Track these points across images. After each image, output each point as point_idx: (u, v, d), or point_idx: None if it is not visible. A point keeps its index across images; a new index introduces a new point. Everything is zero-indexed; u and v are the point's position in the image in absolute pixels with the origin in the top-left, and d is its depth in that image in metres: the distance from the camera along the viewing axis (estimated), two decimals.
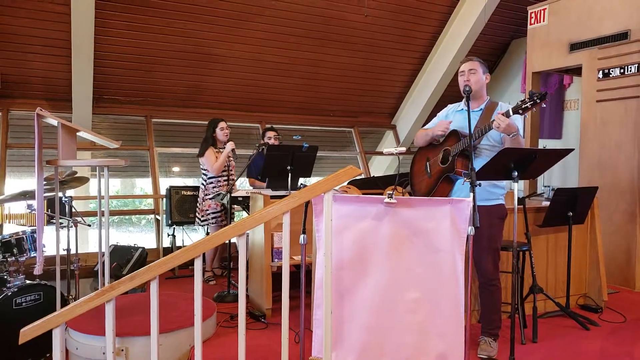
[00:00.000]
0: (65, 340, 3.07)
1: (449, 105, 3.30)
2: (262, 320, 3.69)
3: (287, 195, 2.28)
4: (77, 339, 3.03)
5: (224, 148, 4.73)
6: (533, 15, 5.64)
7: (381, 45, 6.83)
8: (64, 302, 3.79)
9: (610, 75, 4.86)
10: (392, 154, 2.80)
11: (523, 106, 2.66)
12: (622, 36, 4.75)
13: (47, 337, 2.20)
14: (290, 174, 4.09)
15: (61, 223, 3.86)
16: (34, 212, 3.98)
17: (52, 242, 3.25)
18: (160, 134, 6.63)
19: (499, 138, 2.97)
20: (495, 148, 2.94)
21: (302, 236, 2.57)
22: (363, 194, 4.15)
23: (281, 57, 6.48)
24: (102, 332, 2.45)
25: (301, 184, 4.08)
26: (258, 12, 5.88)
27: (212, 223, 4.80)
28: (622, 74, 4.77)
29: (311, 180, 5.35)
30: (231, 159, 4.84)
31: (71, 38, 5.22)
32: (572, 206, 3.74)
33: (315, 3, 6.00)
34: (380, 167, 8.46)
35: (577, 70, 5.38)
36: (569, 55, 5.26)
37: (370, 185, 5.18)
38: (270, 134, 5.10)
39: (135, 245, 5.06)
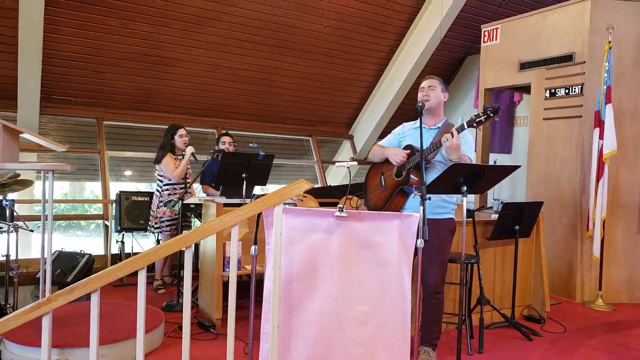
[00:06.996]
0: (1, 351, 2.93)
1: (404, 123, 3.35)
2: (212, 330, 3.63)
3: (241, 204, 2.25)
4: (13, 350, 2.89)
5: (183, 155, 4.64)
6: (486, 33, 5.84)
7: (340, 57, 6.90)
8: (1, 310, 3.63)
9: (557, 95, 5.08)
10: (343, 167, 2.82)
11: (477, 120, 2.77)
12: (567, 58, 4.98)
13: None
14: (245, 182, 4.05)
15: (1, 227, 3.69)
16: None
17: None
18: (111, 137, 6.43)
19: None
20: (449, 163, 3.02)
21: (253, 247, 2.55)
22: (319, 202, 4.16)
23: (239, 63, 6.43)
24: (40, 344, 2.34)
25: (254, 194, 4.05)
26: (216, 17, 5.82)
27: (167, 231, 4.69)
28: (567, 94, 4.99)
29: (267, 189, 5.33)
30: (189, 166, 4.74)
31: (18, 34, 5.01)
32: (518, 220, 3.88)
33: (274, 11, 6.00)
34: (337, 175, 8.50)
35: (526, 89, 5.60)
36: (519, 74, 5.47)
37: (326, 194, 5.20)
38: (226, 139, 5.03)
39: (82, 252, 4.87)
